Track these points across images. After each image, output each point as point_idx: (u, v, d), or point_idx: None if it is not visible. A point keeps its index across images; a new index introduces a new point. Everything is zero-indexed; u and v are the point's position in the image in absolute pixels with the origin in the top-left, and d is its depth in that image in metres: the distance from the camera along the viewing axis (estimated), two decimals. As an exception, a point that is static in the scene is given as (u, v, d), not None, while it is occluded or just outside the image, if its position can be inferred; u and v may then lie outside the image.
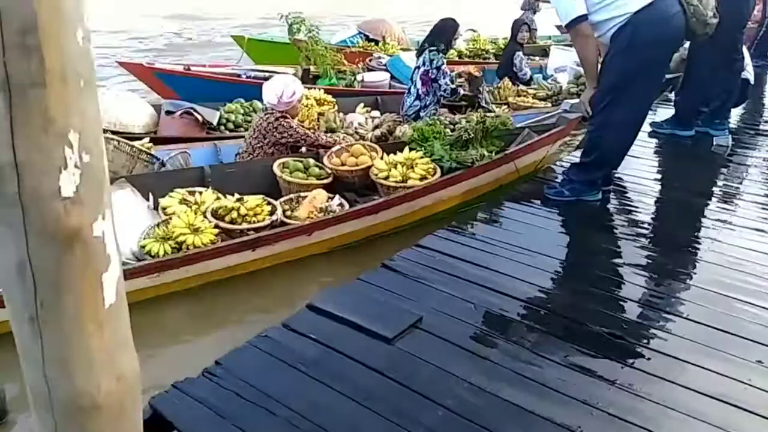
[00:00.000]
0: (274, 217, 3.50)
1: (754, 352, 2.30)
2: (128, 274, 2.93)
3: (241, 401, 1.94)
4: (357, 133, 4.67)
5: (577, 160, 3.81)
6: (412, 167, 3.89)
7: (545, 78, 7.19)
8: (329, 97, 5.67)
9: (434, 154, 4.03)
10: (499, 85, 6.54)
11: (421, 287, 2.68)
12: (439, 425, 1.88)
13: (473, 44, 8.93)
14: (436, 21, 5.47)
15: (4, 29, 0.78)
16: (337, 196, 3.77)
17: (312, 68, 6.88)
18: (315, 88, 5.83)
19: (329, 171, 4.01)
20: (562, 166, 4.32)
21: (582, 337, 2.38)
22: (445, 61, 5.33)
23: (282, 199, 3.73)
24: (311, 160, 4.07)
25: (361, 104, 5.81)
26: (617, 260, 3.07)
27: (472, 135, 4.08)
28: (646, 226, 3.49)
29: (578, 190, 3.71)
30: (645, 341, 2.37)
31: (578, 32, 3.29)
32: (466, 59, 8.51)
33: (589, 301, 2.66)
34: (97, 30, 11.67)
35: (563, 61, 7.09)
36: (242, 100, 5.54)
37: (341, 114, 5.38)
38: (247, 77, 6.31)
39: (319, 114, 5.16)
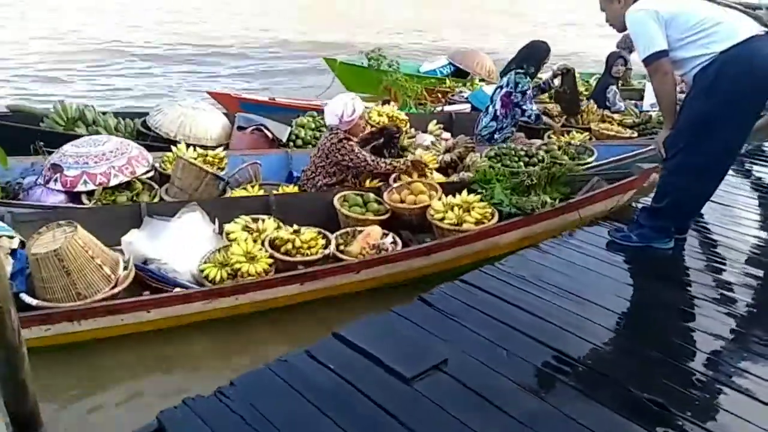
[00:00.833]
0: (327, 251, 3.51)
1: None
2: (183, 298, 3.04)
3: (244, 426, 1.91)
4: (428, 151, 4.56)
5: (650, 203, 3.53)
6: (469, 210, 3.77)
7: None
8: (402, 115, 5.59)
9: (494, 197, 3.89)
10: (583, 108, 6.16)
11: (455, 326, 2.55)
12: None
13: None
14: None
15: None
16: (391, 235, 3.72)
17: (392, 103, 6.89)
18: (389, 105, 5.79)
19: (387, 207, 3.98)
20: (634, 207, 4.03)
21: (622, 402, 2.12)
22: (531, 85, 5.09)
23: (338, 233, 3.75)
24: (371, 195, 4.07)
25: (434, 121, 5.68)
26: (683, 322, 2.73)
27: (536, 181, 3.91)
28: (724, 285, 3.08)
29: (648, 236, 3.42)
30: (696, 417, 2.07)
31: (657, 68, 3.08)
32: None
33: (640, 364, 2.38)
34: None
35: (660, 98, 6.64)
36: (315, 114, 5.49)
37: (412, 129, 5.31)
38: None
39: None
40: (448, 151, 4.56)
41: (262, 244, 3.51)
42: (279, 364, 2.21)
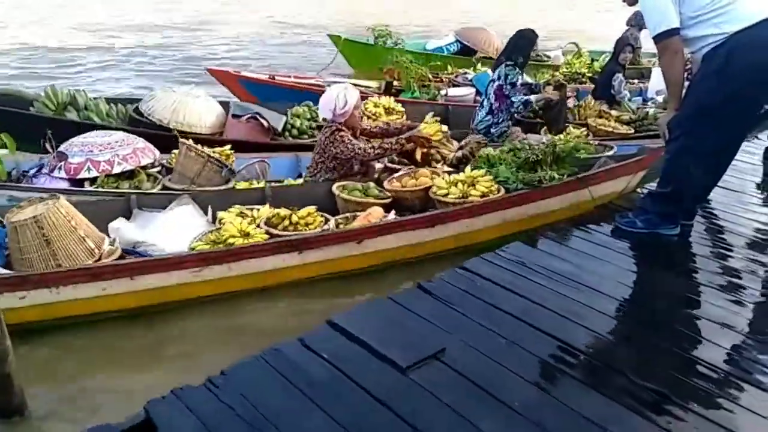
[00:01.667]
0: (326, 227, 3.43)
1: None
2: (171, 264, 2.94)
3: (233, 417, 1.86)
4: (439, 153, 4.47)
5: (655, 188, 3.45)
6: (474, 185, 3.68)
7: (645, 101, 6.64)
8: (399, 106, 5.57)
9: (499, 175, 3.79)
10: (580, 103, 6.12)
11: (453, 314, 2.49)
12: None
13: (568, 68, 8.40)
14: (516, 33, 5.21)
15: None
16: (393, 213, 3.63)
17: (396, 82, 6.80)
18: (387, 97, 5.75)
19: (388, 194, 3.87)
20: (641, 193, 3.95)
21: (624, 392, 2.08)
22: (520, 77, 5.07)
23: (338, 216, 3.65)
24: (371, 184, 3.96)
25: (431, 113, 5.62)
26: (689, 310, 2.69)
27: (541, 157, 3.80)
28: (731, 272, 3.03)
29: (653, 222, 3.36)
30: (701, 407, 2.03)
31: (667, 47, 2.96)
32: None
33: (643, 353, 2.34)
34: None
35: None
36: (310, 103, 5.48)
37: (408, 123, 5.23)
38: (329, 86, 6.31)
39: (386, 123, 5.01)
40: (460, 148, 4.43)
41: (258, 226, 3.41)
42: (271, 353, 2.16)
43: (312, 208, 3.49)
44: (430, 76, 7.00)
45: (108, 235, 3.27)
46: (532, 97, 5.19)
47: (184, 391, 1.95)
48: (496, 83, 5.07)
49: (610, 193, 3.97)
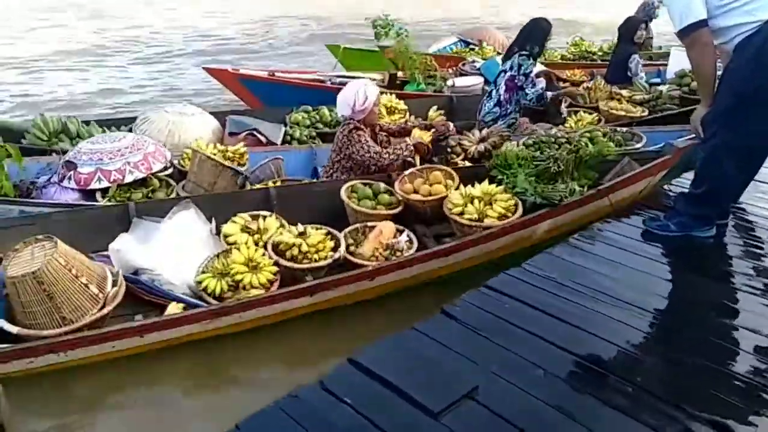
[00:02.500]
0: (336, 255, 3.28)
1: None
2: (181, 320, 2.83)
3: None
4: (460, 145, 4.31)
5: (687, 188, 3.28)
6: (491, 203, 3.51)
7: (663, 83, 6.35)
8: (401, 104, 5.43)
9: (517, 186, 3.63)
10: (590, 85, 5.88)
11: (484, 343, 2.33)
12: None
13: (575, 48, 8.18)
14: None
15: None
16: (406, 232, 3.49)
17: (399, 74, 6.59)
18: (387, 93, 5.60)
19: (399, 198, 3.73)
20: (670, 192, 3.77)
21: (677, 425, 1.92)
22: (534, 68, 4.92)
23: (347, 230, 3.52)
24: (381, 185, 3.83)
25: (434, 107, 5.51)
26: (732, 320, 2.54)
27: (563, 168, 3.64)
28: (771, 275, 2.86)
29: (687, 224, 3.21)
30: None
31: (695, 40, 2.82)
32: (570, 62, 7.83)
33: (689, 375, 2.19)
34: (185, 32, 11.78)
35: (686, 65, 6.26)
36: (309, 108, 5.42)
37: (411, 117, 5.16)
38: (332, 83, 6.19)
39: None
40: (482, 140, 4.28)
41: (265, 247, 3.28)
42: (290, 400, 2.01)
43: (322, 234, 3.34)
44: (436, 65, 6.74)
45: (107, 251, 3.18)
46: (550, 93, 5.04)
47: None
48: (508, 74, 4.91)
49: (628, 196, 3.80)
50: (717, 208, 3.21)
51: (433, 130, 4.19)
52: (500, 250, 3.51)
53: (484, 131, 4.39)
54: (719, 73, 2.96)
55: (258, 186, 3.97)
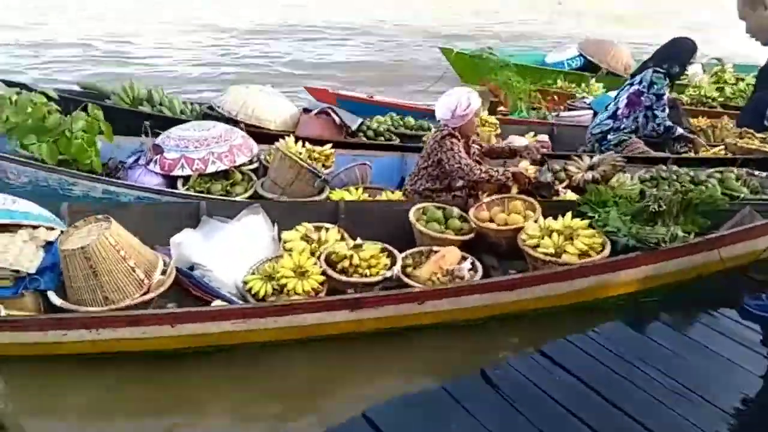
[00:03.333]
0: (389, 273, 3.06)
1: None
2: (211, 314, 2.75)
3: None
4: (565, 171, 3.95)
5: None
6: (572, 238, 3.11)
7: None
8: (492, 119, 5.13)
9: (608, 225, 3.19)
10: (716, 124, 5.26)
11: (517, 419, 2.00)
12: None
13: (695, 91, 7.18)
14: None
15: None
16: (471, 260, 3.19)
17: (501, 108, 6.27)
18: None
19: (472, 226, 3.42)
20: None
21: None
22: (668, 90, 4.43)
23: (408, 252, 3.29)
24: (455, 210, 3.54)
25: (531, 133, 5.12)
26: None
27: (665, 207, 3.15)
28: None
29: None
30: None
31: None
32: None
33: None
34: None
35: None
36: (393, 114, 5.33)
37: (499, 139, 4.85)
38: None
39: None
40: (591, 168, 3.86)
41: (319, 258, 3.12)
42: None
43: (377, 248, 3.13)
44: (541, 99, 6.42)
45: (169, 246, 3.20)
46: (679, 130, 4.51)
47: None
48: (635, 87, 4.48)
49: (746, 253, 3.23)
50: None
51: (527, 151, 3.84)
52: (579, 294, 3.11)
53: (595, 158, 3.94)
54: None
55: (329, 195, 3.85)
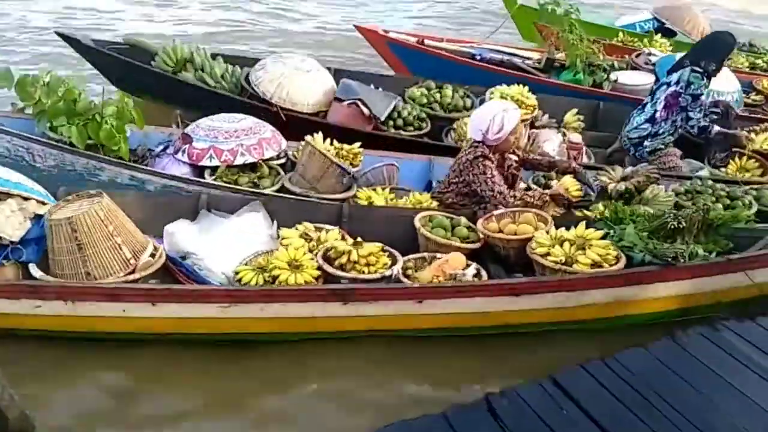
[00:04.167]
0: (388, 272, 2.90)
1: None
2: (196, 296, 2.60)
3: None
4: (599, 177, 3.74)
5: None
6: (584, 248, 2.94)
7: None
8: (531, 99, 4.78)
9: (624, 239, 3.01)
10: (756, 128, 4.85)
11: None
12: None
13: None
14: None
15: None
16: (475, 266, 3.02)
17: (560, 55, 5.81)
18: (520, 85, 4.96)
19: (480, 236, 3.27)
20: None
21: None
22: (705, 90, 4.22)
23: (412, 256, 3.15)
24: (463, 219, 3.39)
25: (574, 110, 4.82)
26: None
27: (685, 225, 2.98)
28: None
29: None
30: None
31: None
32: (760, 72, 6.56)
33: None
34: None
35: None
36: (432, 84, 5.08)
37: (545, 117, 4.63)
38: (481, 59, 5.79)
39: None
40: (624, 179, 3.70)
41: (316, 254, 3.01)
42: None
43: (377, 246, 2.99)
44: (601, 56, 5.75)
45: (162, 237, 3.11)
46: (716, 128, 4.30)
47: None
48: (672, 88, 4.25)
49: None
50: None
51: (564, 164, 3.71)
52: (592, 309, 2.92)
53: (628, 169, 3.77)
54: None
55: (356, 193, 3.76)
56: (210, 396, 2.56)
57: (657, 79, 4.92)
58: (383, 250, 3.04)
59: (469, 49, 6.06)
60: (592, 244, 2.96)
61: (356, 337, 2.83)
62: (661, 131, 4.27)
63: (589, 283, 2.83)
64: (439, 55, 5.89)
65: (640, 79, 5.51)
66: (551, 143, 4.39)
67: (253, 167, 3.89)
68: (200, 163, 3.80)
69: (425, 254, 3.18)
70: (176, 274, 2.98)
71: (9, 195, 2.80)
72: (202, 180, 3.71)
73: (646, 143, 4.29)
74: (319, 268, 2.90)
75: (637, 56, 6.01)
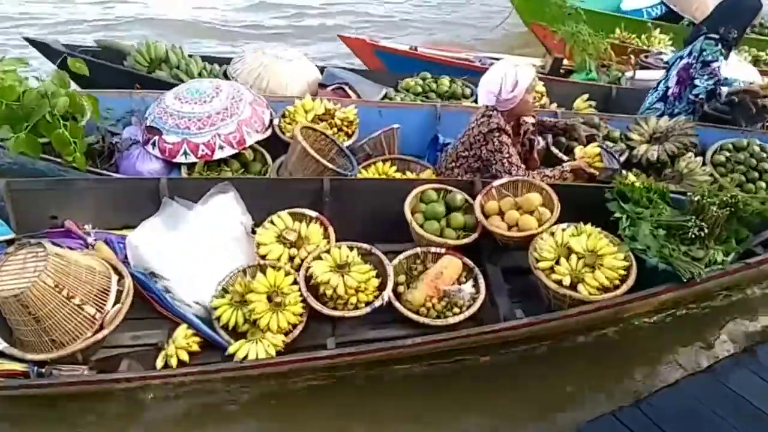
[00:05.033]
0: (378, 303, 2.69)
1: None
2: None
3: None
4: (626, 139, 3.38)
5: None
6: (594, 267, 2.67)
7: None
8: (539, 86, 4.34)
9: (638, 240, 2.73)
10: None
11: None
12: None
13: None
14: None
15: None
16: (470, 284, 2.78)
17: (567, 61, 5.36)
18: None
19: (477, 220, 2.96)
20: None
21: None
22: (722, 58, 3.63)
23: (403, 256, 2.90)
24: (458, 196, 3.05)
25: (584, 96, 4.42)
26: None
27: (708, 231, 2.67)
28: None
29: None
30: None
31: None
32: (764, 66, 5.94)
33: None
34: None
35: None
36: (428, 75, 4.72)
37: (553, 105, 4.29)
38: (481, 63, 5.18)
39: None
40: (656, 137, 3.25)
41: (298, 269, 2.78)
42: None
43: (366, 269, 2.74)
44: (613, 54, 5.41)
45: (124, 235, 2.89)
46: (725, 89, 3.74)
47: None
48: (684, 60, 3.72)
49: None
50: None
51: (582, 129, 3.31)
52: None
53: (662, 121, 3.28)
54: None
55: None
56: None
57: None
58: (367, 254, 2.81)
59: (465, 57, 5.37)
60: (603, 260, 2.67)
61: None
62: (676, 111, 3.72)
63: (596, 310, 2.64)
64: (435, 60, 5.15)
65: (655, 75, 4.74)
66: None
67: (235, 155, 3.46)
68: (175, 160, 3.43)
69: (418, 250, 2.93)
70: (149, 302, 2.76)
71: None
72: (181, 177, 3.35)
73: None
74: (303, 300, 2.68)
75: (646, 56, 5.35)
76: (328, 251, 2.80)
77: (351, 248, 2.81)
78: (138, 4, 8.73)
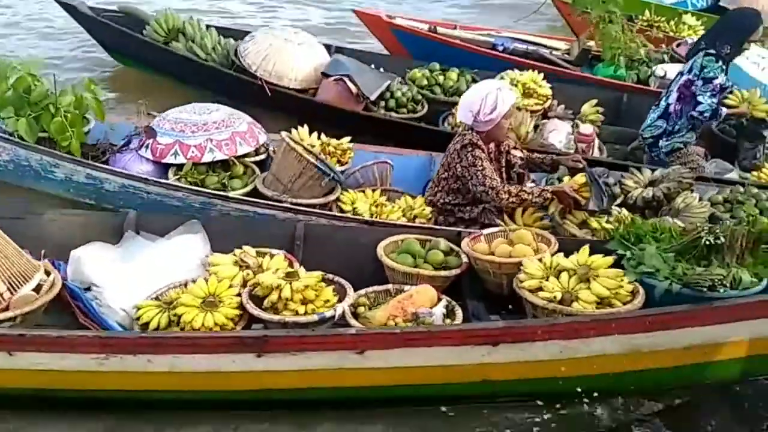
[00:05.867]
0: (329, 313, 2.26)
1: None
2: (60, 343, 2.03)
3: None
4: (621, 185, 3.14)
5: None
6: (589, 281, 2.22)
7: None
8: (544, 88, 4.20)
9: (644, 262, 2.29)
10: None
11: None
12: None
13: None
14: None
15: None
16: (444, 302, 2.37)
17: (592, 43, 5.14)
18: (535, 72, 4.34)
19: (464, 260, 2.61)
20: None
21: None
22: (722, 74, 3.63)
23: (371, 289, 2.52)
24: (442, 242, 2.73)
25: (593, 101, 4.23)
26: None
27: (723, 241, 2.24)
28: None
29: None
30: None
31: None
32: None
33: None
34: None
35: None
36: (437, 66, 4.61)
37: (560, 108, 4.09)
38: (504, 49, 5.15)
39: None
40: (651, 183, 3.09)
41: (241, 289, 2.42)
42: None
43: (315, 277, 2.36)
44: (642, 52, 5.07)
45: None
46: (724, 110, 3.71)
47: None
48: (685, 77, 3.71)
49: None
50: None
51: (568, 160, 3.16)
52: (597, 362, 2.19)
53: (657, 172, 3.14)
54: None
55: (339, 196, 3.27)
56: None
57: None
58: (328, 282, 2.42)
59: (487, 38, 5.36)
60: (598, 273, 2.24)
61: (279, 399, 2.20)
62: (677, 128, 3.70)
63: (593, 328, 2.11)
64: (450, 43, 5.19)
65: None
66: (558, 134, 3.89)
67: (225, 165, 3.44)
68: (164, 161, 3.41)
69: (390, 286, 2.55)
70: (74, 310, 2.41)
71: None
72: (162, 180, 3.34)
73: (661, 143, 3.75)
74: (241, 306, 2.30)
75: (678, 45, 5.21)
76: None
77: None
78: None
